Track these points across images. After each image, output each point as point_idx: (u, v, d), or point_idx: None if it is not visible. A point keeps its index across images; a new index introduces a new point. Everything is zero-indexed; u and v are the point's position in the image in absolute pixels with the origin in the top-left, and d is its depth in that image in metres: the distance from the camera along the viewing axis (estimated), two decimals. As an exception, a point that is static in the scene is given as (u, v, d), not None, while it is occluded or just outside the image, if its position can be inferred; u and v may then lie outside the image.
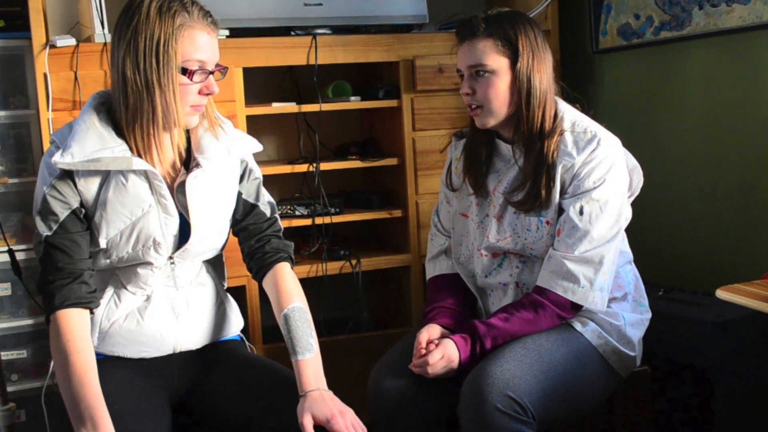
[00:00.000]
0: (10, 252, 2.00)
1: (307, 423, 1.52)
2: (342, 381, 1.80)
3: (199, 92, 1.60)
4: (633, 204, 1.92)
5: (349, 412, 1.56)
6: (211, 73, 1.60)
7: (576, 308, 1.79)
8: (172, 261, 1.67)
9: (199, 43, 1.56)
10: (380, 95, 2.64)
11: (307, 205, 2.62)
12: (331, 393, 1.59)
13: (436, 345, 1.76)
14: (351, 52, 2.58)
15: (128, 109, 1.56)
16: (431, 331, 1.82)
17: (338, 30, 2.61)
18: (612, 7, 2.75)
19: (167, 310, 1.69)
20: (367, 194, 2.77)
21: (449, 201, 2.01)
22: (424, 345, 1.78)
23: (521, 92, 1.80)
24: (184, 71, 1.56)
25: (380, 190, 2.83)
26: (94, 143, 1.55)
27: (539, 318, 1.77)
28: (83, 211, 1.59)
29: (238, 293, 2.33)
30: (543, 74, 1.81)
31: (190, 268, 1.71)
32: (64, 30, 2.61)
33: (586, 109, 1.90)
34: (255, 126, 2.56)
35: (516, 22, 1.81)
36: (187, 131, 1.69)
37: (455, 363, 1.74)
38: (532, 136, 1.81)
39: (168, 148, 1.64)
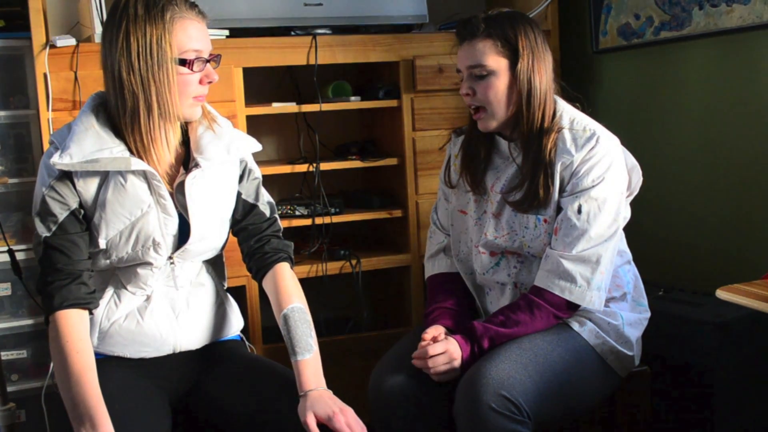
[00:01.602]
0: (10, 252, 2.00)
1: (311, 421, 1.52)
2: (342, 381, 1.80)
3: (200, 82, 1.60)
4: (632, 203, 1.92)
5: (350, 411, 1.55)
6: (208, 61, 1.61)
7: (573, 308, 1.79)
8: (171, 261, 1.67)
9: (193, 33, 1.57)
10: (380, 95, 2.64)
11: (307, 205, 2.62)
12: (330, 392, 1.59)
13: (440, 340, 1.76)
14: (351, 52, 2.58)
15: (126, 112, 1.56)
16: (438, 330, 1.82)
17: (338, 30, 2.61)
18: (612, 7, 2.75)
19: (167, 310, 1.69)
20: (367, 194, 2.77)
21: (447, 198, 2.01)
22: (429, 338, 1.78)
23: (522, 93, 1.80)
24: (183, 62, 1.56)
25: (380, 190, 2.83)
26: (93, 144, 1.55)
27: (536, 318, 1.77)
28: (82, 211, 1.59)
29: (238, 293, 2.33)
30: (543, 75, 1.81)
31: (190, 268, 1.71)
32: (64, 30, 2.61)
33: (585, 108, 1.90)
34: (255, 126, 2.56)
35: (516, 22, 1.81)
36: (186, 132, 1.69)
37: (458, 362, 1.74)
38: (531, 136, 1.81)
39: (168, 145, 1.63)
